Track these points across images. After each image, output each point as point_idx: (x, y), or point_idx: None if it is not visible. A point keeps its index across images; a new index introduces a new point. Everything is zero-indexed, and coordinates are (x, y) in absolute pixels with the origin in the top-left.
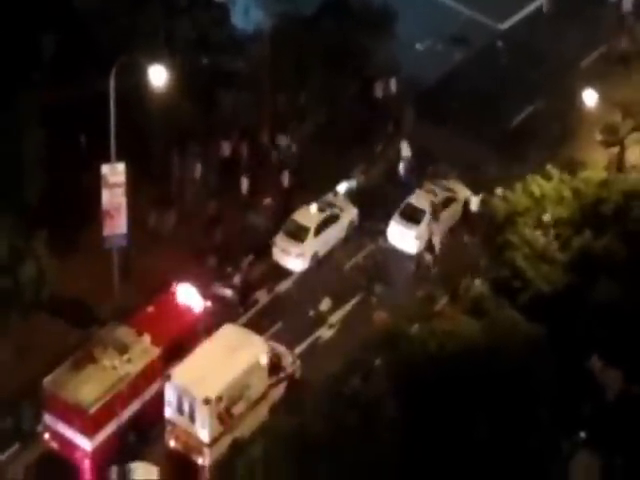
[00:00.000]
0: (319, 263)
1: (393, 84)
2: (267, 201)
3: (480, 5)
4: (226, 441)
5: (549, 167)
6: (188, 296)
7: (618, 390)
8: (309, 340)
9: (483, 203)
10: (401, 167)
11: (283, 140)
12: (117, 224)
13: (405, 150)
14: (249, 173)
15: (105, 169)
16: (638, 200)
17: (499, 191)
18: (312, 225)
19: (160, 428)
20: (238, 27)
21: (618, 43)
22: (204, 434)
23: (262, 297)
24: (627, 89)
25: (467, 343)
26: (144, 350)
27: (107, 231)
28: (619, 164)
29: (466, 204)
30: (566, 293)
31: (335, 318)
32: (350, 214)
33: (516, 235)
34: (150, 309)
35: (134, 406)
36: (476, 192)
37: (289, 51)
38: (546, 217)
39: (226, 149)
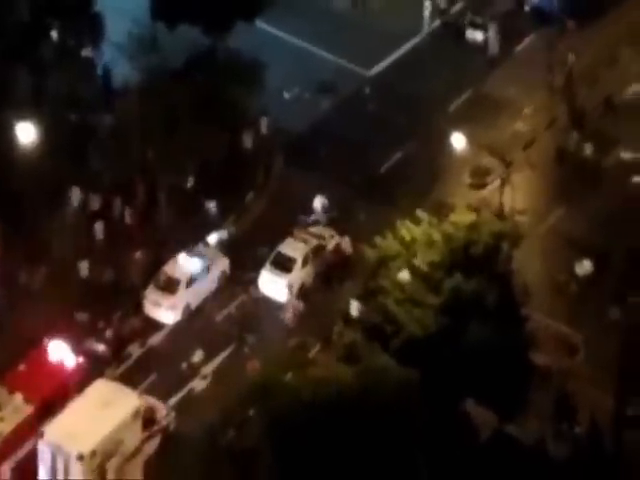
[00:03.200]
0: (191, 315)
1: (264, 126)
2: (137, 254)
3: (348, 53)
4: None
5: (418, 211)
6: (60, 352)
7: (492, 430)
8: (183, 392)
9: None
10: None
11: (154, 193)
12: None
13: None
14: (120, 225)
15: None
16: (506, 241)
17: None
18: (183, 277)
19: None
20: (106, 82)
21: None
22: None
23: (135, 351)
24: (494, 131)
25: (340, 390)
26: (16, 408)
27: None
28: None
29: (337, 250)
30: (439, 336)
31: (208, 369)
32: (221, 264)
33: (388, 280)
34: (22, 367)
35: (8, 465)
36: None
37: (157, 104)
38: (417, 262)
39: (95, 203)
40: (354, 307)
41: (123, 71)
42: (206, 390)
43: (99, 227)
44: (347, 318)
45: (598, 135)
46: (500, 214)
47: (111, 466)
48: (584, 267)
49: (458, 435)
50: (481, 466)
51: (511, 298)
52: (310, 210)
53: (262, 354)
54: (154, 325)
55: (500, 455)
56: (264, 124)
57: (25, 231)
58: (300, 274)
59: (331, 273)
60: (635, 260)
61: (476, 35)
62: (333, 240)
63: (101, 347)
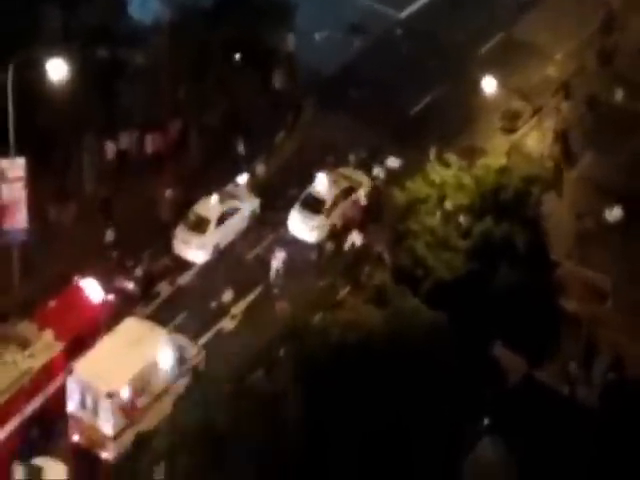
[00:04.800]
0: (221, 254)
1: (295, 67)
2: (168, 193)
3: None
4: (130, 435)
5: (448, 155)
6: (90, 290)
7: (521, 375)
8: (212, 332)
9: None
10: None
11: (185, 132)
12: (17, 219)
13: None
14: (150, 165)
15: (4, 163)
16: (537, 186)
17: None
18: (213, 216)
19: (64, 423)
20: (135, 18)
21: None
22: (108, 428)
23: (164, 289)
24: (525, 75)
25: (370, 332)
26: (46, 345)
27: (7, 226)
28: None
29: (369, 192)
30: (468, 280)
31: (237, 309)
32: (251, 205)
33: (417, 223)
34: (52, 304)
35: (37, 401)
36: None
37: (188, 43)
38: (448, 205)
39: (125, 141)
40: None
41: (155, 8)
42: (235, 330)
43: (129, 165)
44: (377, 260)
45: (629, 81)
46: (530, 158)
47: (140, 404)
48: (614, 213)
49: (487, 379)
50: (509, 411)
51: (540, 243)
52: (338, 152)
53: (291, 295)
54: (184, 264)
55: (528, 400)
56: (295, 65)
57: (55, 168)
58: (330, 215)
59: (361, 215)
60: None
61: None
62: (363, 182)
63: (131, 285)
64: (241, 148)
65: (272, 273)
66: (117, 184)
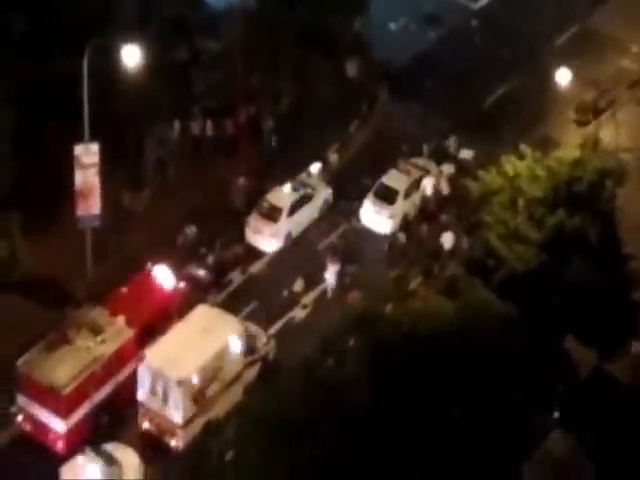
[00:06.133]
0: (293, 243)
1: (370, 56)
2: (241, 181)
3: None
4: (199, 423)
5: (523, 146)
6: (162, 277)
7: (591, 369)
8: (283, 321)
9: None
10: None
11: (258, 119)
12: (91, 204)
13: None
14: (223, 152)
15: (78, 149)
16: (611, 179)
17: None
18: (286, 205)
19: (133, 410)
20: (211, 5)
21: None
22: (177, 416)
23: (236, 278)
24: (600, 67)
25: (440, 323)
26: (118, 331)
27: (81, 211)
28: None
29: (443, 183)
30: (540, 272)
31: (309, 299)
32: (324, 194)
33: (490, 214)
34: (124, 290)
35: (108, 387)
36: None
37: (262, 30)
38: (521, 197)
39: (199, 128)
40: (447, 239)
41: None
42: (306, 319)
43: (204, 152)
44: (447, 251)
45: None
46: (604, 151)
47: (210, 392)
48: None
49: (557, 372)
50: (580, 404)
51: (614, 236)
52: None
53: (363, 285)
54: (256, 252)
55: (599, 393)
56: (370, 54)
57: (128, 155)
58: (403, 206)
59: (434, 205)
60: None
61: None
62: (436, 173)
63: (203, 273)
64: (315, 136)
65: (327, 286)
66: (190, 171)
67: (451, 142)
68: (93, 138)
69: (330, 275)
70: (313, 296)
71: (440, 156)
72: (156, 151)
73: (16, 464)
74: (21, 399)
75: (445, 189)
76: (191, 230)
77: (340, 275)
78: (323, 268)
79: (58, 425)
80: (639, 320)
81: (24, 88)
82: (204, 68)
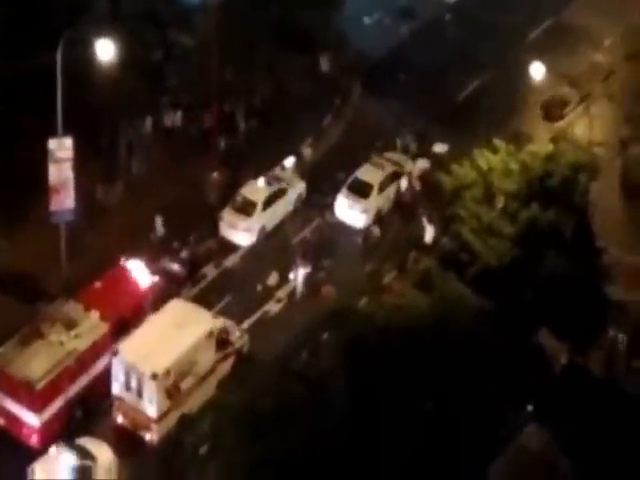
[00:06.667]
0: (267, 237)
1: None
2: (215, 175)
3: None
4: (174, 416)
5: (496, 140)
6: (136, 271)
7: (565, 362)
8: (257, 315)
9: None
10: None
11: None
12: (64, 199)
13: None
14: (197, 147)
15: (52, 144)
16: (584, 173)
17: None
18: (260, 199)
19: (108, 404)
20: (184, 0)
21: None
22: (152, 410)
23: (210, 272)
24: (573, 62)
25: (415, 317)
26: (92, 326)
27: (54, 206)
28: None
29: (416, 177)
30: (513, 266)
31: (283, 293)
32: (297, 188)
33: (464, 208)
34: (98, 284)
35: (82, 382)
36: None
37: (235, 25)
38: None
39: (172, 122)
40: (429, 233)
41: None
42: (280, 313)
43: (176, 147)
44: (423, 245)
45: None
46: (578, 145)
47: (185, 386)
48: None
49: (531, 366)
50: (554, 397)
51: (587, 230)
52: (386, 136)
53: (337, 279)
54: (230, 246)
55: (572, 387)
56: (343, 48)
57: (102, 149)
58: (377, 200)
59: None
60: None
61: None
62: (409, 167)
63: (177, 267)
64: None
65: (296, 288)
66: (164, 165)
67: (409, 139)
68: (67, 132)
69: (299, 277)
70: (287, 290)
71: (414, 150)
72: (129, 143)
73: None
74: None
75: (416, 184)
76: (158, 223)
77: (308, 278)
78: (293, 267)
79: (32, 419)
80: (611, 313)
81: None
82: (177, 63)
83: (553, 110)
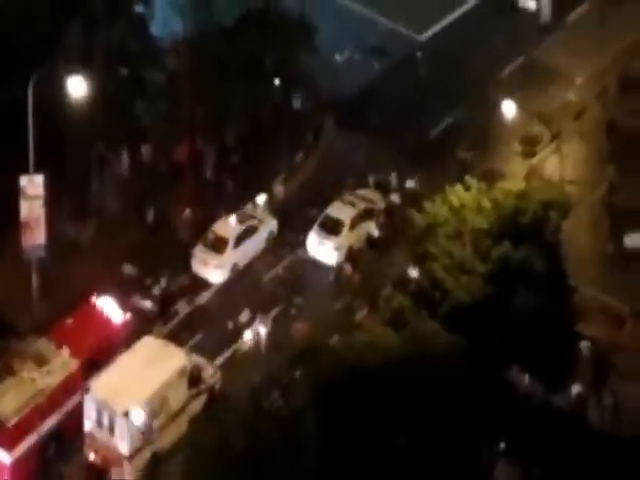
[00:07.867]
0: (239, 274)
1: (315, 88)
2: (186, 213)
3: (400, 16)
4: (146, 454)
5: (468, 178)
6: (107, 308)
7: (537, 400)
8: (229, 352)
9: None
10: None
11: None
12: (36, 235)
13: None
14: (169, 183)
15: (24, 181)
16: (556, 211)
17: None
18: (231, 236)
19: (80, 441)
20: (156, 37)
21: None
22: (124, 447)
23: (182, 309)
24: (545, 99)
25: (387, 354)
26: (63, 362)
27: (26, 242)
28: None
29: (386, 214)
30: (486, 304)
31: (255, 330)
32: (269, 225)
33: (436, 246)
34: (69, 321)
35: (54, 419)
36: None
37: (207, 62)
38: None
39: (143, 158)
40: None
41: (175, 27)
42: (252, 350)
43: (148, 183)
44: (395, 282)
45: None
46: (550, 183)
47: (156, 424)
48: (633, 239)
49: (503, 403)
50: (526, 435)
51: (559, 268)
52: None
53: (309, 316)
54: (202, 284)
55: (544, 425)
56: (315, 85)
57: (74, 185)
58: (348, 237)
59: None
60: None
61: (529, 2)
62: (381, 204)
63: (149, 304)
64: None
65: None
66: (134, 202)
67: (393, 177)
68: (39, 168)
69: (257, 331)
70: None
71: (386, 187)
72: (100, 179)
73: None
74: None
75: (392, 220)
76: (127, 269)
77: (269, 334)
78: (270, 299)
79: (3, 457)
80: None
81: None
82: (149, 99)
83: (525, 147)
